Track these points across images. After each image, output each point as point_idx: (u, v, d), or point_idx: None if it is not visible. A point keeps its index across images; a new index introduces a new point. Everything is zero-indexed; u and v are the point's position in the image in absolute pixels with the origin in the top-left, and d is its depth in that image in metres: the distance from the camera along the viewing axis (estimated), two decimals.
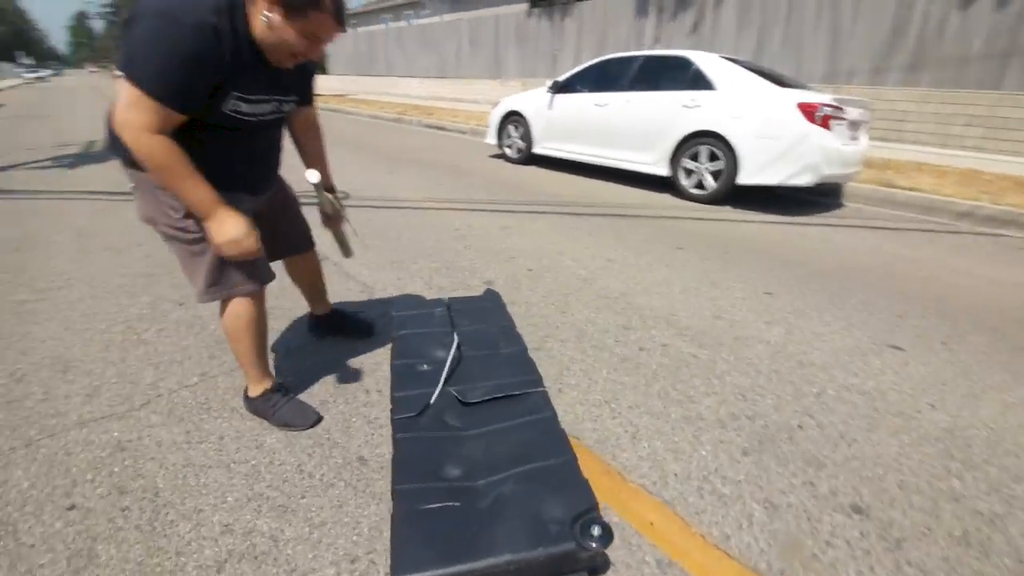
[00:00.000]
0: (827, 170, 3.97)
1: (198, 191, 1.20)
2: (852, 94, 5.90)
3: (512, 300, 2.42)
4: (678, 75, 4.60)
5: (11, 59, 61.34)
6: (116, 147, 1.27)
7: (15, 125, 9.54)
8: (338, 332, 2.04)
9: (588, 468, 1.39)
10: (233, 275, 1.37)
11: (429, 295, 2.44)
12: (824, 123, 3.92)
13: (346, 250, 1.79)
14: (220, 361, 1.90)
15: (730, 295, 2.54)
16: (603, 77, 5.18)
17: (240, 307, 1.43)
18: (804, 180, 3.99)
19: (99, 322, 2.18)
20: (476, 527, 0.94)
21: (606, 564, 1.11)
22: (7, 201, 4.05)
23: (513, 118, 5.90)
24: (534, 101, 5.68)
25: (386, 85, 17.57)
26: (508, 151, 6.05)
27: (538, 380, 1.37)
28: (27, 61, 61.71)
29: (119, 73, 1.16)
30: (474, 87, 13.77)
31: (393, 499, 1.02)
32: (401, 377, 1.41)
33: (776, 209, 4.31)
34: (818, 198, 4.84)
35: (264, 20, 1.12)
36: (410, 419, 1.23)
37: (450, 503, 1.00)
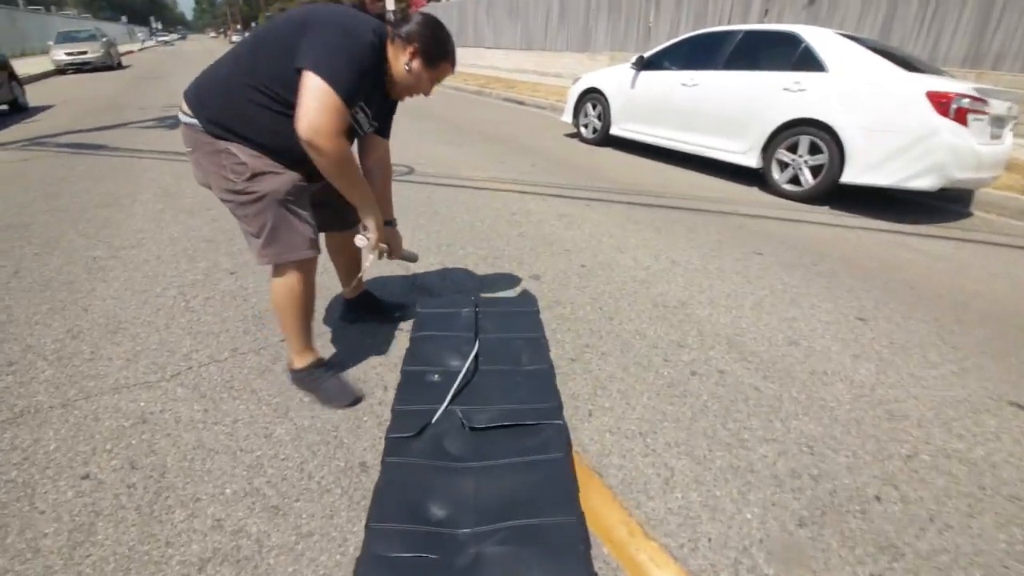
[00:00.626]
0: (957, 173, 3.35)
1: (366, 189, 1.39)
2: (999, 83, 4.96)
3: (557, 300, 2.24)
4: (783, 53, 4.05)
5: (146, 24, 68.07)
6: (204, 108, 1.32)
7: (135, 86, 10.51)
8: (370, 313, 1.98)
9: (604, 516, 1.22)
10: (293, 239, 1.39)
11: (469, 287, 2.32)
12: (959, 117, 3.28)
13: (411, 258, 1.73)
14: (253, 337, 1.90)
15: (812, 317, 2.20)
16: (694, 54, 4.70)
17: (293, 279, 1.43)
18: (926, 183, 3.39)
19: (157, 285, 2.28)
20: None
21: None
22: (109, 158, 4.42)
23: (592, 95, 5.56)
24: (616, 78, 5.30)
25: (473, 57, 17.46)
26: (583, 131, 5.74)
27: (556, 410, 1.21)
28: (157, 26, 68.22)
29: (236, 38, 1.20)
30: (560, 61, 13.29)
31: (365, 535, 0.91)
32: (407, 386, 1.30)
33: (885, 214, 3.73)
34: (941, 204, 4.14)
35: (406, 67, 1.38)
36: (405, 440, 1.11)
37: (425, 554, 0.87)
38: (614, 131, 5.36)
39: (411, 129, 6.07)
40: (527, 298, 1.72)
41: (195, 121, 1.33)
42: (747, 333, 2.03)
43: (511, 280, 2.39)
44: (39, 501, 1.24)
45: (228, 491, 1.29)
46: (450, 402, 1.21)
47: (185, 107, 1.35)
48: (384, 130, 1.61)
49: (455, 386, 1.25)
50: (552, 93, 9.27)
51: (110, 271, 2.40)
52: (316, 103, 1.18)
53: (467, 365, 1.33)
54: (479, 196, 3.63)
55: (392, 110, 1.62)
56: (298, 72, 1.20)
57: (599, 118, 5.51)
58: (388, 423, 1.46)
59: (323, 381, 1.57)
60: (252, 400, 1.59)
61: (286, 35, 1.25)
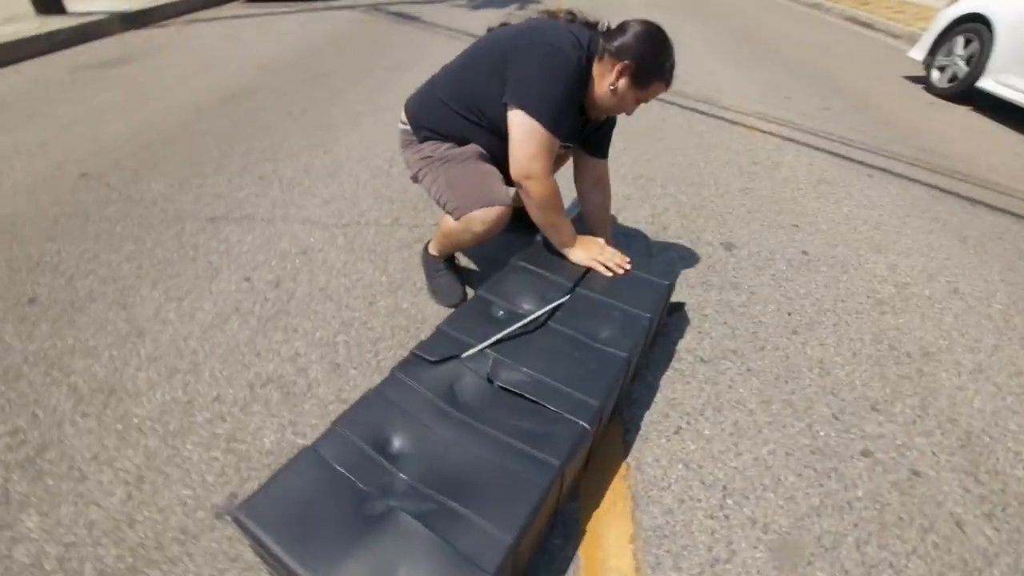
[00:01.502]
0: None
1: (568, 227, 1.35)
2: None
3: (736, 283, 1.76)
4: None
5: None
6: (422, 127, 1.39)
7: None
8: (529, 226, 1.90)
9: (604, 555, 0.98)
10: (490, 191, 1.31)
11: (625, 232, 2.00)
12: None
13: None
14: (415, 215, 2.03)
15: None
16: None
17: (467, 233, 1.34)
18: None
19: (380, 146, 2.59)
20: (348, 529, 0.76)
21: None
22: (415, 29, 5.05)
23: (968, 26, 3.80)
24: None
25: None
26: (936, 75, 4.08)
27: (591, 411, 0.95)
28: None
29: None
30: None
31: (326, 431, 0.91)
32: (467, 310, 1.20)
33: None
34: None
35: (611, 87, 1.23)
36: (423, 361, 1.04)
37: (358, 481, 0.82)
38: (985, 84, 3.65)
39: (698, 37, 5.27)
40: (667, 268, 1.37)
41: (410, 129, 1.41)
42: (1006, 440, 1.27)
43: (687, 243, 1.96)
44: (214, 286, 1.62)
45: (317, 335, 1.46)
46: (490, 345, 1.07)
47: (404, 118, 1.43)
48: (598, 148, 1.49)
49: (507, 331, 1.10)
50: (924, 18, 6.78)
51: (359, 125, 2.82)
52: (524, 147, 1.18)
53: (537, 314, 1.15)
54: (725, 132, 3.00)
55: (608, 128, 1.48)
56: (505, 106, 1.19)
57: (968, 61, 3.80)
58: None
59: (440, 275, 1.59)
60: (380, 268, 1.73)
61: (495, 57, 1.23)
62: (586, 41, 1.21)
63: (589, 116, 1.34)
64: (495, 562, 0.72)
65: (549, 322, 1.16)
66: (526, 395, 0.98)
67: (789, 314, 1.64)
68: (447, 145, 1.36)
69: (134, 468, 1.10)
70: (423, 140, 1.39)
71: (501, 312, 1.19)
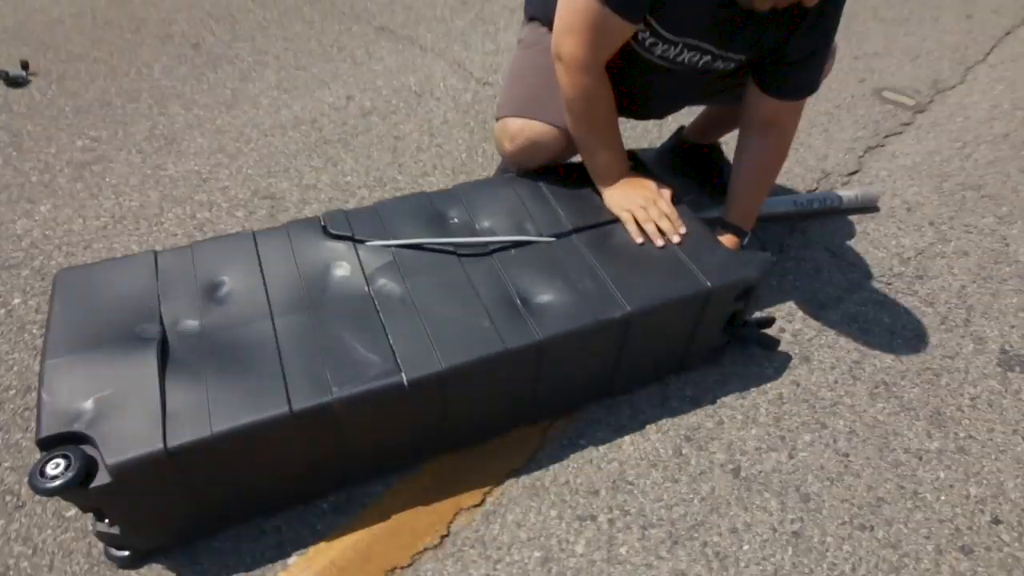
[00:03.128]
0: None
1: (608, 153, 0.94)
2: None
3: (949, 417, 1.02)
4: None
5: None
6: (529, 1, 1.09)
7: None
8: (694, 170, 1.38)
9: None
10: (526, 97, 1.01)
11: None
12: None
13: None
14: None
15: None
16: None
17: (521, 131, 1.00)
18: None
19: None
20: (111, 337, 0.69)
21: None
22: None
23: None
24: None
25: None
26: None
27: (424, 371, 0.68)
28: None
29: None
30: None
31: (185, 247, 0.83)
32: (419, 200, 0.92)
33: None
34: None
35: None
36: (320, 230, 0.85)
37: (163, 302, 0.74)
38: None
39: None
40: (735, 265, 0.82)
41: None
42: None
43: (934, 313, 1.17)
44: (319, 92, 1.60)
45: (347, 179, 1.35)
46: (399, 246, 0.82)
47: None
48: (774, 78, 0.91)
49: (427, 241, 0.82)
50: None
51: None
52: (561, 14, 0.83)
53: (483, 240, 0.83)
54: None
55: (801, 47, 0.86)
56: None
57: None
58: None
59: (505, 172, 1.27)
60: (467, 144, 1.49)
61: None
62: None
63: (742, 3, 0.79)
64: (181, 439, 0.60)
65: (495, 256, 0.83)
66: (380, 315, 0.74)
67: (984, 510, 0.89)
68: (543, 31, 0.99)
69: (130, 206, 1.20)
70: (529, 19, 1.08)
71: (456, 220, 0.89)
